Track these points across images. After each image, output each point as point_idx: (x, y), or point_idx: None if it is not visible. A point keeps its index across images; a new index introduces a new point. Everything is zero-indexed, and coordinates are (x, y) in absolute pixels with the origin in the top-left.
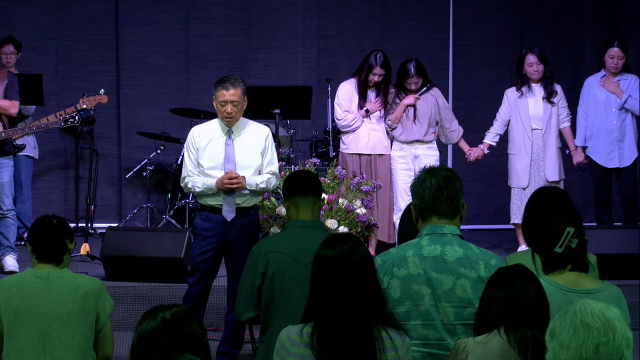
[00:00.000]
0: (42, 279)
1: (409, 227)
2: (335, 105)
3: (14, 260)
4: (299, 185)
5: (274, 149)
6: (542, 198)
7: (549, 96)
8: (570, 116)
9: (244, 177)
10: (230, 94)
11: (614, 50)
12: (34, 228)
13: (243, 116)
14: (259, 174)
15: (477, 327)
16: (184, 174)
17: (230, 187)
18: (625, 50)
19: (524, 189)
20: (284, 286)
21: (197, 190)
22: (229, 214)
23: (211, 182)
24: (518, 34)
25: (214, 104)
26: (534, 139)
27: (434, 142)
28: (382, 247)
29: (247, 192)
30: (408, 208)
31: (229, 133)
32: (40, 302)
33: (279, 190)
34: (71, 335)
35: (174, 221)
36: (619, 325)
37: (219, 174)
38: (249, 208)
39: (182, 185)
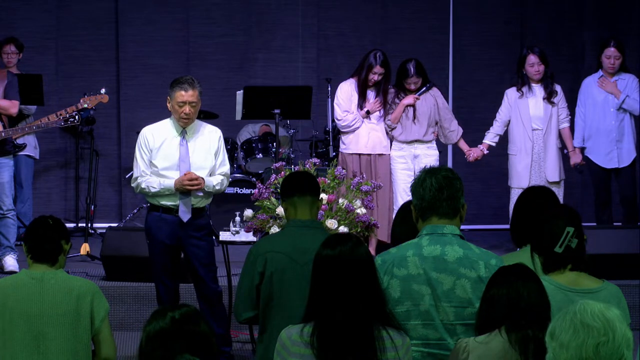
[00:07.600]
0: (37, 279)
1: (403, 229)
2: (335, 106)
3: (14, 261)
4: (296, 186)
5: (225, 150)
6: (532, 198)
7: (549, 96)
8: (570, 117)
9: (203, 178)
10: (189, 95)
11: (611, 51)
12: (30, 228)
13: (244, 116)
14: (210, 175)
15: (478, 326)
16: (135, 174)
17: (190, 188)
18: (622, 50)
19: (524, 189)
20: (282, 285)
21: (153, 190)
22: (185, 215)
23: (169, 182)
24: (518, 34)
25: (169, 104)
26: (535, 139)
27: (434, 142)
28: (382, 247)
29: (201, 193)
30: (401, 210)
31: (183, 134)
32: (35, 303)
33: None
34: (65, 337)
35: None
36: (619, 326)
37: (174, 174)
38: (201, 209)
39: (132, 185)
